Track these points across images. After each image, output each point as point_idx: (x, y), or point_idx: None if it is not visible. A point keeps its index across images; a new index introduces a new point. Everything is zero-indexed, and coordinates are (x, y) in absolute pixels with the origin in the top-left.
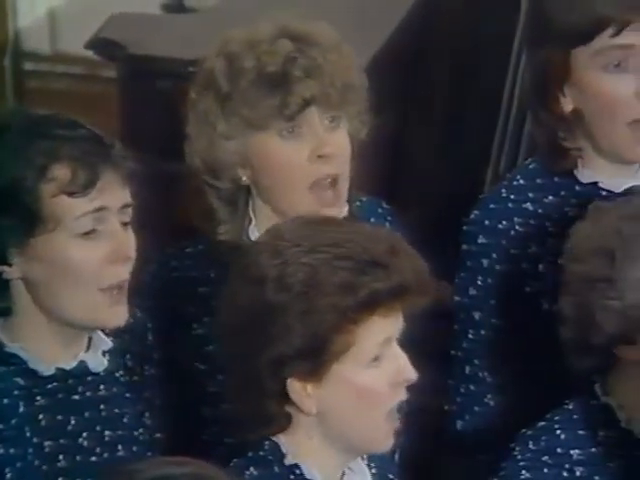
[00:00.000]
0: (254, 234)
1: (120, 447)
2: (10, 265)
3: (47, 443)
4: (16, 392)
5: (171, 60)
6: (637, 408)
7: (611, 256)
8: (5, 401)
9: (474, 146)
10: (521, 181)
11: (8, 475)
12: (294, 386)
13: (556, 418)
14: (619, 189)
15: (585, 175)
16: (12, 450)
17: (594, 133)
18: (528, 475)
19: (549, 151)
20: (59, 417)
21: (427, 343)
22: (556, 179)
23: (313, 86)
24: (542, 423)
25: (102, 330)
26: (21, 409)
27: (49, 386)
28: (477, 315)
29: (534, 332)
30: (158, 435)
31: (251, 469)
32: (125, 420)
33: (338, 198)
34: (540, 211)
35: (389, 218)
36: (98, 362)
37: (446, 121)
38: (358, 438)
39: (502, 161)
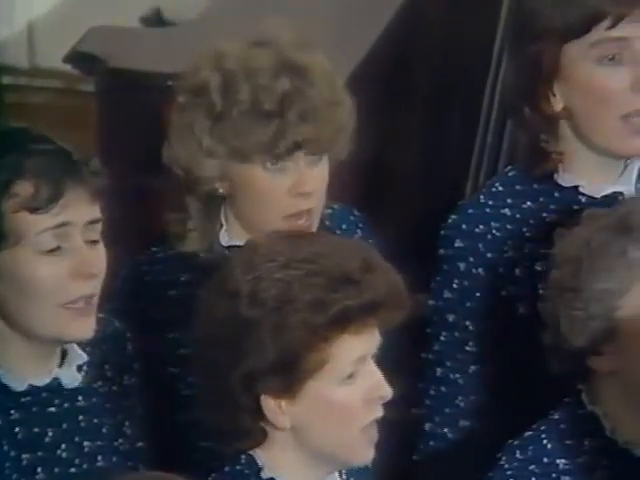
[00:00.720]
0: (224, 239)
1: (100, 458)
2: None
3: (25, 456)
4: None
5: (150, 74)
6: (618, 417)
7: (579, 266)
8: None
9: (454, 161)
10: (500, 187)
11: None
12: (268, 403)
13: (542, 428)
14: (599, 194)
15: (566, 179)
16: None
17: (584, 130)
18: None
19: (530, 154)
20: (35, 429)
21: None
22: (535, 186)
23: (306, 132)
24: (529, 433)
25: (78, 342)
26: None
27: (22, 400)
28: (451, 317)
29: (508, 336)
30: (140, 444)
31: None
32: (104, 430)
33: (309, 227)
34: (518, 216)
35: (360, 225)
36: (72, 377)
37: (425, 137)
38: (334, 452)
39: (481, 175)
